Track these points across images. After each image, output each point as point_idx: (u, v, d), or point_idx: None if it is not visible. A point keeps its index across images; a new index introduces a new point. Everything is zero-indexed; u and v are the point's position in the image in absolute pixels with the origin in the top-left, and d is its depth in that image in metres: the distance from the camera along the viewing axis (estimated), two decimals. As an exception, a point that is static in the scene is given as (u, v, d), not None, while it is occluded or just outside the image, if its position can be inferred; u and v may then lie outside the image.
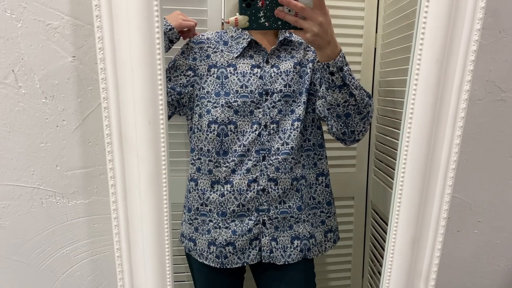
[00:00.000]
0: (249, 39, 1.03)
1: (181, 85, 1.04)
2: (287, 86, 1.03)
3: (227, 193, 1.03)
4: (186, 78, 1.04)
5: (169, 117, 1.08)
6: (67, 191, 1.01)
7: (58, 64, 0.92)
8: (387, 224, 1.34)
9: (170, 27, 1.01)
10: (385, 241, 1.34)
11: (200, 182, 1.06)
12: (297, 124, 1.03)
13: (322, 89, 0.98)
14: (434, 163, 0.81)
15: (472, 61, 0.74)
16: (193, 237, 1.09)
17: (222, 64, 1.03)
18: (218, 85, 1.02)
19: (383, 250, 1.37)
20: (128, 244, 0.84)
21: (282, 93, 1.02)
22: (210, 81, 1.03)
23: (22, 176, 0.98)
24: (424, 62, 0.74)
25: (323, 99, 0.99)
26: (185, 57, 1.05)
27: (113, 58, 0.73)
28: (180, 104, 1.06)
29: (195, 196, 1.07)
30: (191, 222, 1.09)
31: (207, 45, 1.05)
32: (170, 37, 1.02)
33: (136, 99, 0.74)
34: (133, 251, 0.84)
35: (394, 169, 1.26)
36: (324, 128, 1.10)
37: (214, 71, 1.03)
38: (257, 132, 1.02)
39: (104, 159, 0.98)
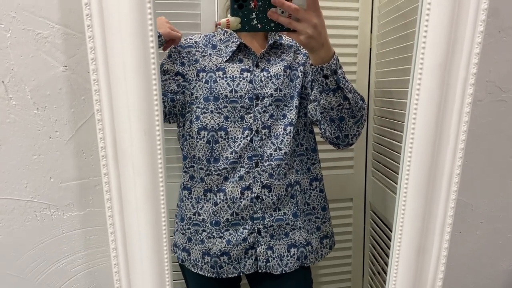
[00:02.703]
0: (238, 42, 1.01)
1: (172, 91, 1.01)
2: (278, 90, 1.01)
3: (220, 202, 1.01)
4: (175, 83, 1.01)
5: None
6: (62, 203, 0.98)
7: (50, 74, 0.90)
8: (386, 225, 1.34)
9: (158, 33, 0.98)
10: (384, 242, 1.34)
11: (194, 191, 1.04)
12: (290, 129, 1.01)
13: (315, 93, 0.96)
14: (438, 169, 0.79)
15: (476, 64, 0.73)
16: (187, 247, 1.06)
17: (211, 68, 1.00)
18: (207, 89, 0.99)
19: (383, 251, 1.36)
20: (125, 258, 0.81)
21: (273, 97, 1.00)
22: (199, 86, 1.00)
23: (15, 189, 0.95)
24: (426, 67, 0.72)
25: (316, 103, 0.97)
26: (172, 62, 1.02)
27: (106, 68, 0.70)
28: (171, 112, 1.03)
29: (188, 205, 1.05)
30: (184, 232, 1.07)
31: (195, 49, 1.03)
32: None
33: (130, 110, 0.72)
34: (130, 264, 0.82)
35: (392, 170, 1.26)
36: (316, 130, 1.08)
37: (203, 75, 1.00)
38: (248, 138, 0.99)
39: (99, 170, 0.96)
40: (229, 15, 0.78)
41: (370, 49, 1.41)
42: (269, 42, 1.03)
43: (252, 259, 1.03)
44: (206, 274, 1.04)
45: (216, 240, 1.02)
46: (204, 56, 1.02)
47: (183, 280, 1.16)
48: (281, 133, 1.01)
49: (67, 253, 1.02)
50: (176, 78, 1.01)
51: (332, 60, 0.85)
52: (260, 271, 1.04)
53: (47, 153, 0.94)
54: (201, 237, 1.03)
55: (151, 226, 0.79)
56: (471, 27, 0.71)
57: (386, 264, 1.33)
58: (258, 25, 0.79)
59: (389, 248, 1.26)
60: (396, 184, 0.81)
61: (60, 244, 1.01)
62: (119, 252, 0.80)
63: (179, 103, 1.02)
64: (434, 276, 0.86)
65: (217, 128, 0.99)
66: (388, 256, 1.29)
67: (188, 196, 1.05)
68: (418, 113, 0.75)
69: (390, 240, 1.28)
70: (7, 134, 0.91)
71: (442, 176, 0.80)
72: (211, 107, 0.99)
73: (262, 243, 1.02)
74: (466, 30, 0.71)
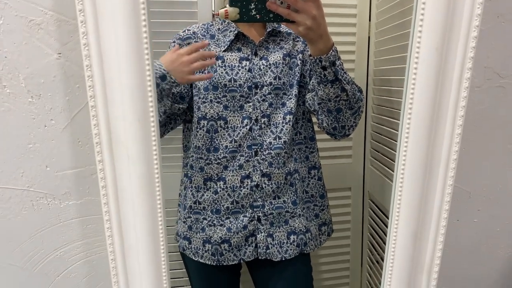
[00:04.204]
0: (236, 32, 1.00)
1: (186, 97, 1.02)
2: (277, 79, 1.00)
3: (220, 190, 1.01)
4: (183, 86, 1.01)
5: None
6: (59, 192, 0.98)
7: (44, 62, 0.89)
8: (384, 214, 1.33)
9: (175, 83, 0.93)
10: (383, 231, 1.34)
11: (194, 180, 1.04)
12: (289, 118, 1.01)
13: (313, 83, 0.95)
14: (435, 155, 0.79)
15: (473, 47, 0.72)
16: (188, 236, 1.07)
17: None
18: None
19: (381, 240, 1.36)
20: (121, 246, 0.81)
21: (272, 86, 1.00)
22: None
23: (11, 178, 0.95)
24: (423, 50, 0.71)
25: (313, 93, 0.97)
26: None
27: (99, 54, 0.70)
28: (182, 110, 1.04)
29: (189, 194, 1.05)
30: (185, 220, 1.07)
31: (194, 40, 1.02)
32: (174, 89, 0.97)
33: (124, 96, 0.71)
34: (127, 253, 0.82)
35: (390, 159, 1.25)
36: (314, 120, 1.07)
37: None
38: (248, 127, 0.99)
39: (95, 158, 0.95)
40: (227, 5, 0.78)
41: (369, 37, 1.40)
42: (268, 30, 1.02)
43: (252, 246, 1.04)
44: (207, 262, 1.04)
45: (217, 228, 1.03)
46: None
47: (185, 270, 1.17)
48: (281, 121, 1.01)
49: (65, 242, 1.02)
50: None
51: (331, 51, 0.85)
52: (260, 258, 1.05)
53: (43, 141, 0.94)
54: (202, 225, 1.04)
55: (147, 215, 0.79)
56: (469, 10, 0.70)
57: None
58: (257, 15, 0.78)
59: (387, 237, 1.26)
60: (395, 173, 0.81)
61: (58, 233, 1.01)
62: (115, 240, 0.80)
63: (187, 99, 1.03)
64: (431, 263, 0.86)
65: (216, 117, 0.99)
66: (386, 245, 1.29)
67: (189, 185, 1.05)
68: (414, 98, 0.74)
69: (388, 228, 1.28)
70: (1, 123, 0.91)
71: (439, 162, 0.79)
72: (211, 97, 0.99)
73: (262, 231, 1.03)
74: (463, 13, 0.70)
